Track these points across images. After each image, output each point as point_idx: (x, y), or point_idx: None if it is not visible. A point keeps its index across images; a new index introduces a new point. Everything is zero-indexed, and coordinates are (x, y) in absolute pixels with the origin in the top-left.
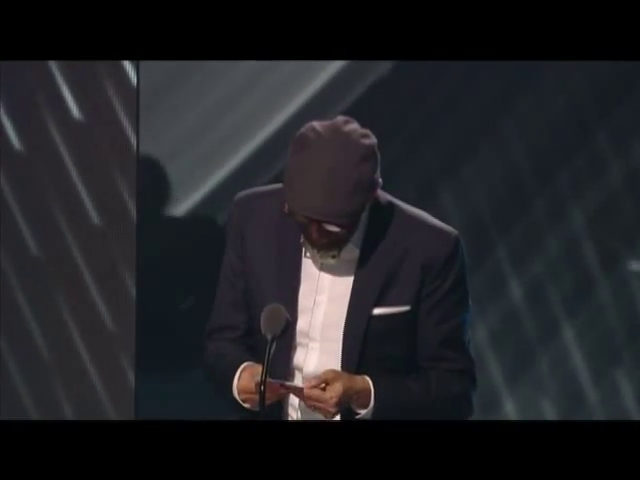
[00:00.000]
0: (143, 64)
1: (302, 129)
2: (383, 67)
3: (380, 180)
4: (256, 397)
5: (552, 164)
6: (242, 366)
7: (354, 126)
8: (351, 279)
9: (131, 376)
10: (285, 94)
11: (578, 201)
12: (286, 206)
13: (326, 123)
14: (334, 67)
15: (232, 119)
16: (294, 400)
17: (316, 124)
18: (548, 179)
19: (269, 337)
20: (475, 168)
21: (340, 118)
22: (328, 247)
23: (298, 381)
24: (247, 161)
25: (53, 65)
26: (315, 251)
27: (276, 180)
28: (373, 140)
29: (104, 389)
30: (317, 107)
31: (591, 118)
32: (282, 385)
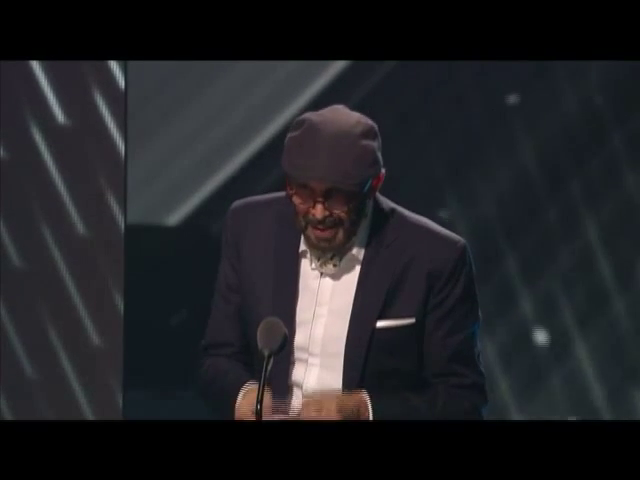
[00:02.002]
0: (131, 64)
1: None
2: (387, 68)
3: (383, 170)
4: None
5: (565, 170)
6: (245, 389)
7: (353, 111)
8: (353, 290)
9: (118, 393)
10: (284, 95)
11: (591, 209)
12: (288, 188)
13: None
14: (336, 68)
15: (226, 123)
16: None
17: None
18: (560, 186)
19: (266, 353)
20: (483, 174)
21: (338, 105)
22: (329, 242)
23: (298, 399)
24: (242, 167)
25: (36, 65)
26: (315, 257)
27: (273, 188)
28: (373, 123)
29: (90, 407)
30: (318, 109)
31: (606, 122)
32: (280, 412)
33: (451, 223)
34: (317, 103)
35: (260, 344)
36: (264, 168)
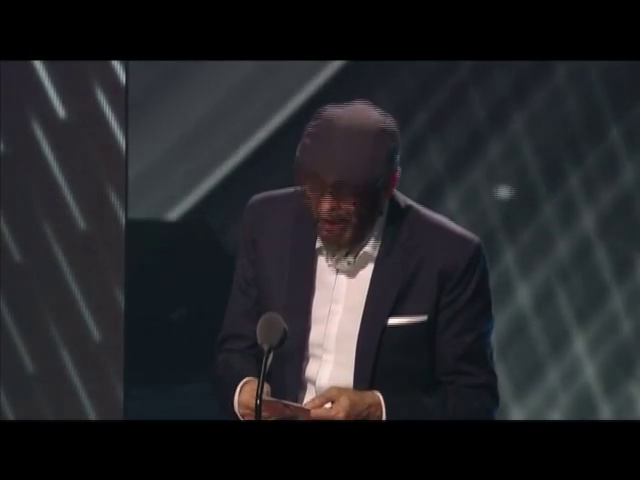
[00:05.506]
0: (132, 64)
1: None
2: (386, 66)
3: (399, 169)
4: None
5: (563, 164)
6: (244, 380)
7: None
8: (366, 288)
9: (119, 390)
10: (284, 93)
11: (590, 203)
12: (298, 180)
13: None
14: (335, 65)
15: (226, 122)
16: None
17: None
18: (558, 180)
19: (266, 348)
20: (482, 169)
21: (363, 101)
22: (337, 238)
23: (311, 395)
24: (242, 164)
25: (37, 63)
26: (330, 254)
27: (274, 184)
28: (393, 122)
29: (91, 403)
30: (317, 107)
31: (603, 117)
32: (285, 406)
33: (450, 219)
34: (317, 101)
35: (260, 339)
36: (265, 165)
